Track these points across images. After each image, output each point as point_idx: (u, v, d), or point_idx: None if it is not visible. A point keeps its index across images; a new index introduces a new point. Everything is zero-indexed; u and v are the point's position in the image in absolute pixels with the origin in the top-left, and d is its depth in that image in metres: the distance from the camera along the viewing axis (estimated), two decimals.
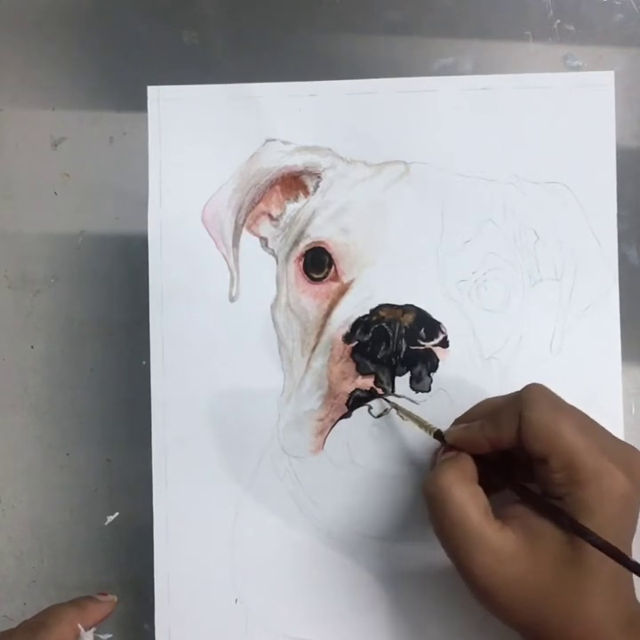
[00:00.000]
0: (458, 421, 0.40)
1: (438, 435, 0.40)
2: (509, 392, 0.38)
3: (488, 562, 0.33)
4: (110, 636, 0.45)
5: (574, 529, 0.33)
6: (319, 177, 0.45)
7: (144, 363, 0.45)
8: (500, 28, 0.46)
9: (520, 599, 0.34)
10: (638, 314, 0.45)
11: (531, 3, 0.46)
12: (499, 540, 0.34)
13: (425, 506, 0.36)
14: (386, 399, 0.43)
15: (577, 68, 0.46)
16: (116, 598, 0.41)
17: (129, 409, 0.46)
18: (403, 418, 0.43)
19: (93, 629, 0.45)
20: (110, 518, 0.46)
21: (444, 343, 0.43)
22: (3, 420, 0.47)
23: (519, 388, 0.37)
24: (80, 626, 0.38)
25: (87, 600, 0.40)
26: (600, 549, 0.32)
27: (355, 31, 0.47)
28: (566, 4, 0.46)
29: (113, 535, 0.46)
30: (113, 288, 0.46)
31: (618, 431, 0.44)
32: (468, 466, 0.37)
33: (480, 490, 0.36)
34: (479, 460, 0.37)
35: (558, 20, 0.46)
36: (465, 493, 0.35)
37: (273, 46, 0.47)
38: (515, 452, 0.37)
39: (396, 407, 0.43)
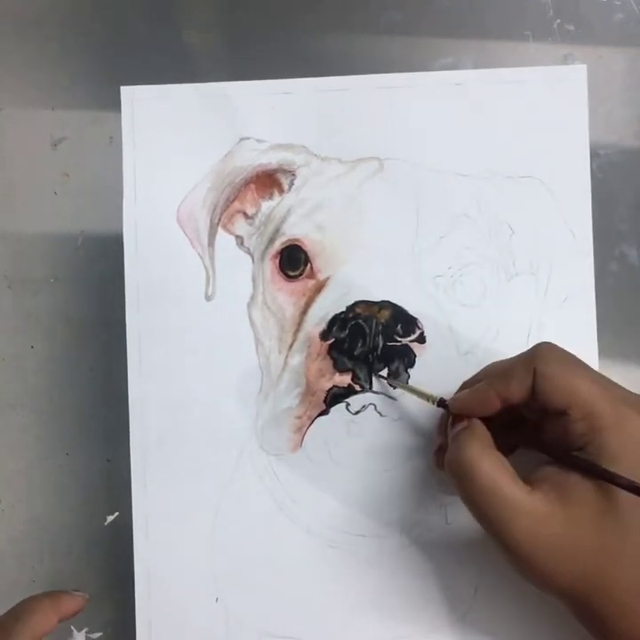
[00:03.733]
0: (464, 386, 0.40)
1: (442, 403, 0.39)
2: None
3: (527, 526, 0.33)
4: (100, 634, 0.45)
5: (603, 475, 0.33)
6: (294, 175, 0.45)
7: None
8: (500, 27, 0.46)
9: (562, 560, 0.33)
10: (639, 314, 0.46)
11: (531, 3, 0.46)
12: (532, 502, 0.34)
13: (452, 482, 0.36)
14: (381, 376, 0.43)
15: None
16: (87, 595, 0.40)
17: (129, 409, 0.46)
18: (394, 387, 0.42)
19: (85, 629, 0.45)
20: (110, 518, 0.46)
21: (421, 339, 0.43)
22: (3, 420, 0.47)
23: None
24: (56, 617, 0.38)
25: (60, 593, 0.40)
26: (631, 491, 0.32)
27: (354, 31, 0.47)
28: (566, 4, 0.46)
29: (113, 535, 0.46)
30: (113, 288, 0.46)
31: None
32: (484, 433, 0.36)
33: (502, 456, 0.35)
34: (490, 425, 0.37)
35: (558, 20, 0.46)
36: (491, 462, 0.34)
37: (273, 47, 0.47)
38: (522, 412, 0.37)
39: (392, 384, 0.42)
